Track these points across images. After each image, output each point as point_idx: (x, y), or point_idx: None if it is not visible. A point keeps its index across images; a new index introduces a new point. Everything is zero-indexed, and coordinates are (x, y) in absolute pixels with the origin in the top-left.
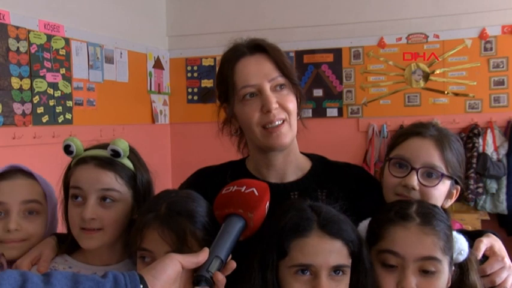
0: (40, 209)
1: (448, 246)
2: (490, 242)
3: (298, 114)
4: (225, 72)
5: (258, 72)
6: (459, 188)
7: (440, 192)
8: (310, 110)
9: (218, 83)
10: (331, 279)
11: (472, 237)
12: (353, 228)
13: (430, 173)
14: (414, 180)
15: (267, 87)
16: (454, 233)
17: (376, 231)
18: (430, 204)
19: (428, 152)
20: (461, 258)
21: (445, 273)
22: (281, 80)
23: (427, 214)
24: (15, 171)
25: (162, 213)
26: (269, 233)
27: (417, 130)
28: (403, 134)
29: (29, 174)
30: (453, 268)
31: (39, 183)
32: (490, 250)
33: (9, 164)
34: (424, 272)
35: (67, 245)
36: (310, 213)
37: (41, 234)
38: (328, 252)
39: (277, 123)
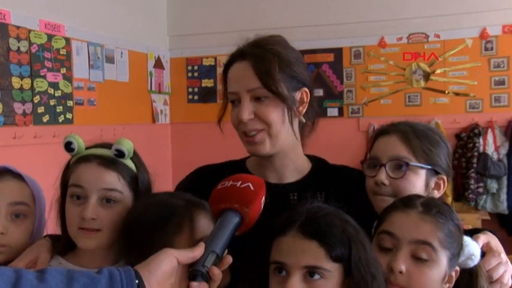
0: (28, 212)
1: (450, 241)
2: (487, 238)
3: (291, 122)
4: (223, 75)
5: (239, 81)
6: (445, 178)
7: (414, 184)
8: None
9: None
10: (305, 282)
11: (468, 235)
12: (345, 232)
13: (398, 165)
14: (382, 175)
15: (246, 96)
16: (467, 238)
17: (381, 217)
18: (442, 201)
19: (393, 146)
20: (472, 263)
21: (440, 266)
22: (261, 91)
23: (431, 206)
24: (3, 172)
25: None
26: (264, 230)
27: (383, 129)
28: (373, 137)
29: (17, 175)
30: (457, 269)
31: (28, 184)
32: (487, 246)
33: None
34: (417, 259)
35: (60, 246)
36: (300, 214)
37: (26, 239)
38: (300, 252)
39: (252, 133)
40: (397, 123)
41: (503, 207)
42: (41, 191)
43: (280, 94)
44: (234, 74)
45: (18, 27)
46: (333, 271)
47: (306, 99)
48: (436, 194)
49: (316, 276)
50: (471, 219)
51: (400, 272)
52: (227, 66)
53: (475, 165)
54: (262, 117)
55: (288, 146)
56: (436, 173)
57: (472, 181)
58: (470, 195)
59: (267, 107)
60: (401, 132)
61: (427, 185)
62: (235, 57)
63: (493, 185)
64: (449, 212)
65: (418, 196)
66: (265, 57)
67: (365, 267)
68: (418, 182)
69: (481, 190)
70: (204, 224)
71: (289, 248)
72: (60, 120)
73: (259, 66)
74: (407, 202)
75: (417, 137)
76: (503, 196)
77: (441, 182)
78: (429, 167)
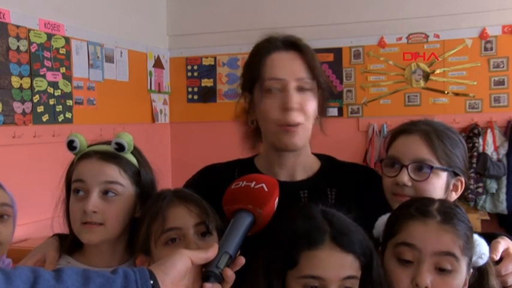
0: (10, 213)
1: (468, 247)
2: (507, 244)
3: (318, 116)
4: (254, 62)
5: (287, 68)
6: (463, 180)
7: (435, 186)
8: None
9: (244, 71)
10: None
11: (485, 239)
12: (365, 238)
13: (420, 167)
14: (405, 176)
15: (293, 85)
16: (476, 236)
17: (395, 225)
18: (452, 203)
19: (415, 147)
20: (481, 262)
21: (462, 274)
22: (308, 82)
23: (448, 213)
24: None
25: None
26: (278, 239)
27: (404, 128)
28: (392, 135)
29: None
30: (471, 271)
31: (3, 188)
32: (505, 252)
33: None
34: (441, 270)
35: (68, 244)
36: (322, 221)
37: (12, 238)
38: (340, 266)
39: (293, 124)
40: (417, 122)
41: (502, 207)
42: (11, 193)
43: (323, 87)
44: (281, 61)
45: (17, 27)
46: (359, 277)
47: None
48: (454, 196)
49: (350, 286)
50: (470, 219)
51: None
52: (266, 52)
53: (474, 165)
54: (304, 109)
55: (307, 143)
56: (455, 174)
57: (472, 181)
58: (470, 195)
59: (309, 99)
60: (423, 133)
61: (446, 187)
62: (279, 45)
63: (492, 185)
64: (463, 216)
65: (431, 200)
66: (311, 52)
67: (379, 269)
68: (439, 184)
69: (480, 190)
70: (176, 214)
71: (327, 262)
72: (60, 120)
73: (309, 58)
74: (423, 210)
75: (439, 138)
76: (503, 196)
77: (459, 184)
78: (450, 169)
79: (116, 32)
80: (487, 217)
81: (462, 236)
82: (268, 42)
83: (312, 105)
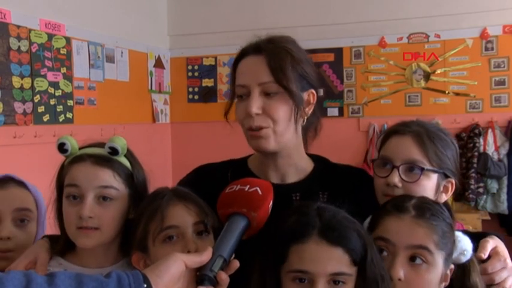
0: (32, 217)
1: (444, 242)
2: (495, 243)
3: (296, 121)
4: (231, 70)
5: (251, 74)
6: (453, 181)
7: (425, 188)
8: None
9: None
10: None
11: (476, 238)
12: (360, 234)
13: (411, 168)
14: (395, 177)
15: (256, 90)
16: (459, 233)
17: (374, 221)
18: (432, 200)
19: (407, 148)
20: (464, 258)
21: (437, 268)
22: (273, 86)
23: (424, 208)
24: (6, 180)
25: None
26: (271, 235)
27: (396, 129)
28: (385, 135)
29: (20, 183)
30: (451, 267)
31: (31, 192)
32: (493, 250)
33: (2, 174)
34: (414, 263)
35: (60, 246)
36: (313, 218)
37: (31, 244)
38: (327, 260)
39: (257, 128)
40: (409, 123)
41: (503, 207)
42: (41, 196)
43: (291, 90)
44: (246, 67)
45: (18, 27)
46: (353, 274)
47: (312, 101)
48: (444, 197)
49: (340, 283)
50: (471, 220)
51: (399, 279)
52: (238, 59)
53: (475, 165)
54: (269, 113)
55: (291, 146)
56: (446, 176)
57: (472, 181)
58: (471, 195)
59: (276, 103)
60: (415, 134)
61: (437, 189)
62: (249, 50)
63: (493, 185)
64: (440, 212)
65: (409, 197)
66: (279, 54)
67: (376, 268)
68: (429, 186)
69: (481, 190)
70: (175, 213)
71: (313, 256)
72: (61, 120)
73: (274, 61)
74: (399, 206)
75: (431, 139)
76: (504, 196)
77: (449, 185)
78: (441, 171)
79: (116, 32)
80: (488, 217)
81: (437, 231)
82: (243, 48)
83: (278, 109)
